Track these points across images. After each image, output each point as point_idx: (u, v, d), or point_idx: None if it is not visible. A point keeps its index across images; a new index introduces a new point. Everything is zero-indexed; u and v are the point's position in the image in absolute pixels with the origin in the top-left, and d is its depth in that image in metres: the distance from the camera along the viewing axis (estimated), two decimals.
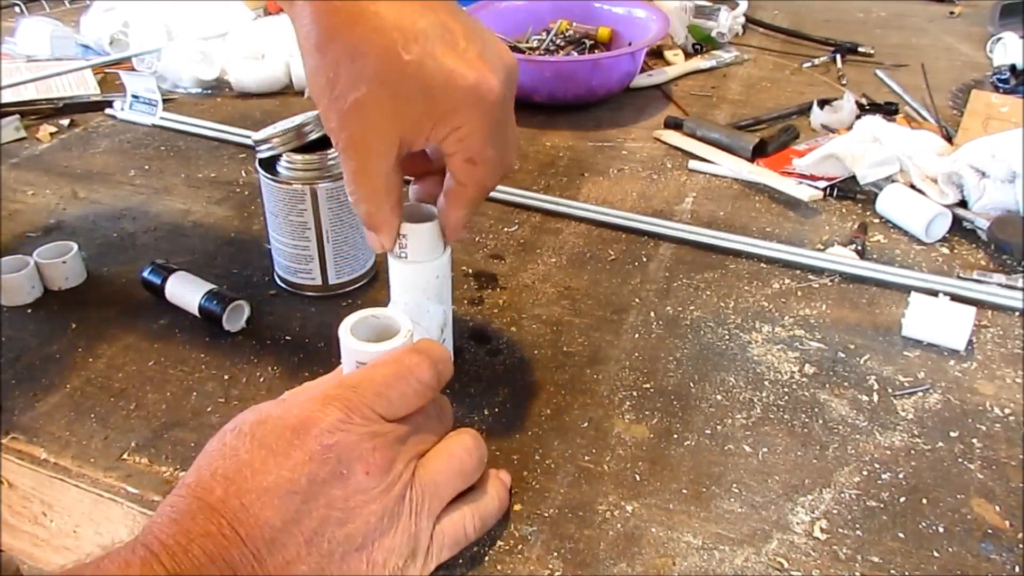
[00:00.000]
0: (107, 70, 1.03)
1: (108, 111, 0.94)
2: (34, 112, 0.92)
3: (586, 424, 0.51)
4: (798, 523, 0.44)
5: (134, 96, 0.93)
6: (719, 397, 0.53)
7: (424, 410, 0.42)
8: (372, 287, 0.63)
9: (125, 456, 0.48)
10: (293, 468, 0.36)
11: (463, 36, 0.41)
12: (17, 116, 0.88)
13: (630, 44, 0.97)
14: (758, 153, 0.82)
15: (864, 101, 0.93)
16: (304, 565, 0.36)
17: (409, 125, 0.41)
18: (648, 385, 0.54)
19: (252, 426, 0.38)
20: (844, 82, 1.01)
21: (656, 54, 1.07)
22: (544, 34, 1.01)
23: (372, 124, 0.41)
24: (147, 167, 0.82)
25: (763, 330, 0.59)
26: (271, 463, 0.36)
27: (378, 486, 0.38)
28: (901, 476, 0.47)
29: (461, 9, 0.42)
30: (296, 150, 0.58)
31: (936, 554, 0.43)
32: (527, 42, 1.01)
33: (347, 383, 0.40)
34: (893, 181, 0.74)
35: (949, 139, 0.82)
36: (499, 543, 0.43)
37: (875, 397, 0.53)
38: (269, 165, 0.59)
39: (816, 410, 0.52)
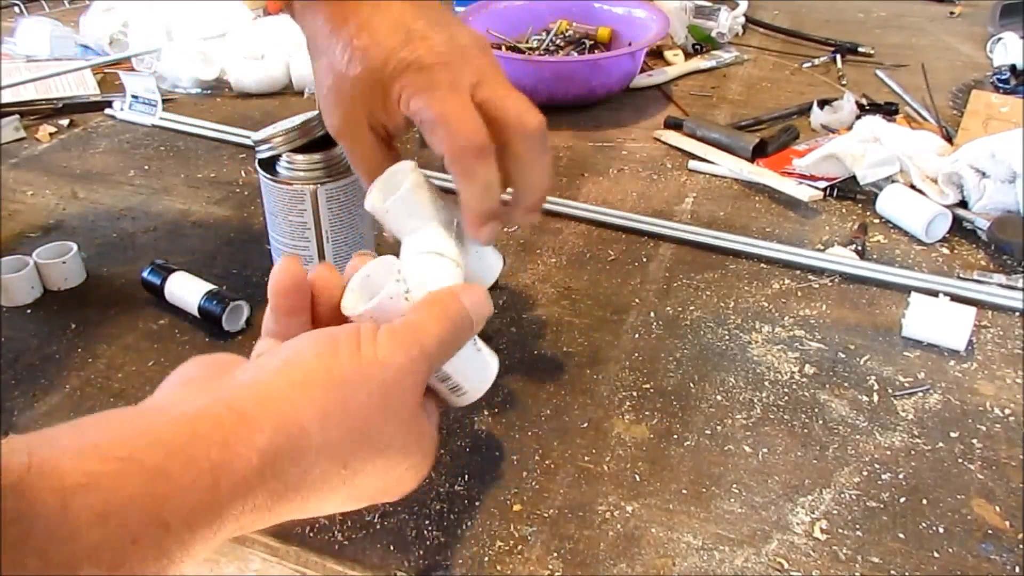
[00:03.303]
0: (107, 70, 1.03)
1: (108, 111, 0.93)
2: (34, 112, 0.92)
3: (586, 424, 0.51)
4: (798, 523, 0.44)
5: (134, 96, 0.93)
6: (719, 397, 0.53)
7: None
8: None
9: None
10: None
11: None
12: (17, 116, 0.88)
13: (630, 44, 0.97)
14: (758, 153, 0.81)
15: (864, 101, 0.92)
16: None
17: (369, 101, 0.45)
18: (648, 385, 0.54)
19: None
20: (844, 82, 1.01)
21: (656, 54, 1.07)
22: (544, 34, 1.01)
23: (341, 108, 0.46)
24: (147, 167, 0.82)
25: (763, 330, 0.59)
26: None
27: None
28: (901, 476, 0.47)
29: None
30: (296, 150, 0.58)
31: (936, 555, 0.43)
32: (527, 42, 1.01)
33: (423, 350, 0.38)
34: (893, 181, 0.74)
35: (949, 139, 0.81)
36: (499, 543, 0.43)
37: (875, 397, 0.53)
38: (269, 165, 0.59)
39: (816, 410, 0.52)
